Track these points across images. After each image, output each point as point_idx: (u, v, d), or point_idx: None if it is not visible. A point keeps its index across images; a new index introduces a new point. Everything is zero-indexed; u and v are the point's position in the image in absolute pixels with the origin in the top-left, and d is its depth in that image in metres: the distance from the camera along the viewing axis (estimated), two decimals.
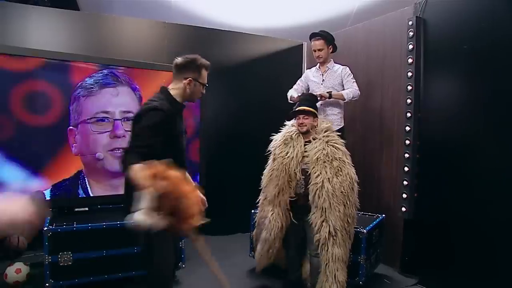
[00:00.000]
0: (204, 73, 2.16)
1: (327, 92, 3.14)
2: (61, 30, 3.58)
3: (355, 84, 3.28)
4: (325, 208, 2.54)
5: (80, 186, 3.15)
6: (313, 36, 3.34)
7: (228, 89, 4.36)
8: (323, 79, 3.36)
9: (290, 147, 2.73)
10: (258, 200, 2.92)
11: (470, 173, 2.85)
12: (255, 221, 3.00)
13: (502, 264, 2.59)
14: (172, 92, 2.11)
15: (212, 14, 4.52)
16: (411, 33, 3.19)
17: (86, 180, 3.16)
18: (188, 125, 3.53)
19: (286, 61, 4.69)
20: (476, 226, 2.76)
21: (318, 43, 3.30)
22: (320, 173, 2.57)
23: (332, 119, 3.23)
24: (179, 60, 2.13)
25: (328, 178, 2.55)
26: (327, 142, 2.66)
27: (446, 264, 2.98)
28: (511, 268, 2.53)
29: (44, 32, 3.49)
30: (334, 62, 3.39)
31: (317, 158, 2.61)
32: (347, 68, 3.34)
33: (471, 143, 2.87)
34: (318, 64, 3.42)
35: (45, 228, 2.63)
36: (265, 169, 2.88)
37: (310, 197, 2.59)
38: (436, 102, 3.13)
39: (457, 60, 2.95)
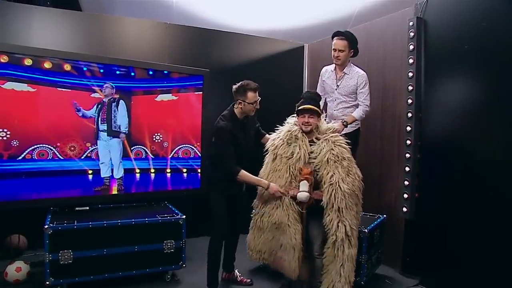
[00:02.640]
0: (251, 94, 2.68)
1: (342, 123, 3.05)
2: (63, 30, 3.61)
3: (368, 98, 3.16)
4: (342, 208, 2.50)
5: None
6: (337, 34, 3.12)
7: (229, 90, 4.33)
8: (337, 85, 3.24)
9: (295, 147, 2.66)
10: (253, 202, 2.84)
11: (471, 173, 2.84)
12: (255, 224, 2.83)
13: (504, 264, 2.57)
14: (235, 110, 2.73)
15: (214, 15, 4.56)
16: (412, 34, 3.20)
17: None
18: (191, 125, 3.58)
19: (287, 63, 4.70)
20: (477, 226, 2.75)
21: (340, 43, 3.09)
22: (334, 173, 2.54)
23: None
24: (234, 87, 2.73)
25: (342, 178, 2.53)
26: (333, 142, 2.63)
27: (448, 265, 2.97)
28: None
29: (46, 33, 3.52)
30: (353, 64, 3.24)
31: (328, 159, 2.58)
32: (365, 76, 3.18)
33: (472, 143, 2.86)
34: (335, 65, 3.24)
35: (46, 226, 2.63)
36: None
37: (325, 198, 2.53)
38: (437, 102, 3.13)
39: (458, 60, 2.95)
